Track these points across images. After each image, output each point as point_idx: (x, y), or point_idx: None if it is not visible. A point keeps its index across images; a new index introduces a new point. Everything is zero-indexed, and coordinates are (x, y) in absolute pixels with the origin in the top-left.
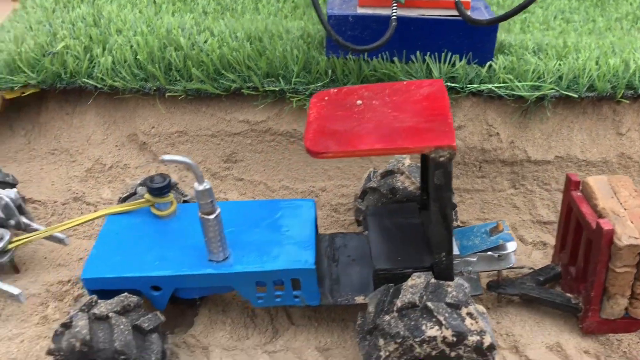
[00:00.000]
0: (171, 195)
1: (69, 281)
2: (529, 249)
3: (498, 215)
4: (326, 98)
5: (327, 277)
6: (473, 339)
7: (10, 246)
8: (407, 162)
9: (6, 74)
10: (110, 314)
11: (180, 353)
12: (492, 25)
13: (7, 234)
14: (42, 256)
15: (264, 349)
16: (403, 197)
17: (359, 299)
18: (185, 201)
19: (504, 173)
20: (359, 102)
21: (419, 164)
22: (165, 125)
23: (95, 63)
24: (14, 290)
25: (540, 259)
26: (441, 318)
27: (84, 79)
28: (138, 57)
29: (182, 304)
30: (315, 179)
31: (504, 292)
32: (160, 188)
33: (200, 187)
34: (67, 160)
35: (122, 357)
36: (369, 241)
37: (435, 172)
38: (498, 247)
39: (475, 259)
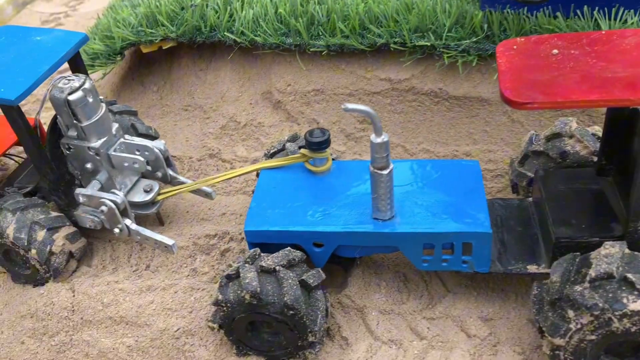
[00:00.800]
0: (328, 151)
1: (215, 235)
2: None
3: None
4: (515, 47)
5: (494, 243)
6: None
7: (159, 197)
8: (574, 124)
9: (146, 27)
10: (277, 267)
11: (335, 313)
12: None
13: (156, 185)
14: (184, 210)
15: (422, 314)
16: (574, 162)
17: (532, 268)
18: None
19: None
20: (555, 51)
21: (587, 127)
22: (302, 83)
23: (235, 17)
24: (168, 241)
25: None
26: None
27: (224, 33)
28: (279, 10)
29: (340, 263)
30: (459, 143)
31: None
32: (319, 142)
33: (378, 140)
34: (200, 116)
35: (291, 312)
36: (544, 206)
37: None
38: None
39: None
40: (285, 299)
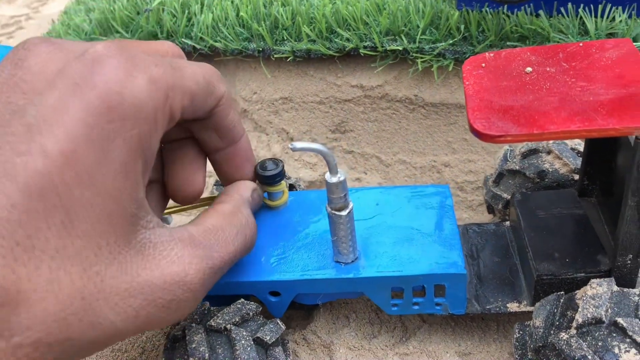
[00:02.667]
0: (283, 183)
1: None
2: None
3: None
4: (483, 65)
5: (469, 279)
6: None
7: None
8: None
9: (99, 34)
10: (228, 326)
11: (299, 351)
12: None
13: None
14: None
15: (395, 350)
16: (553, 182)
17: (513, 307)
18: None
19: None
20: (529, 69)
21: (566, 141)
22: (269, 90)
23: (193, 21)
24: None
25: None
26: (638, 338)
27: (182, 39)
28: (241, 13)
29: (301, 308)
30: (437, 152)
31: None
32: (272, 176)
33: (334, 179)
34: None
35: None
36: (523, 237)
37: None
38: None
39: None
40: None
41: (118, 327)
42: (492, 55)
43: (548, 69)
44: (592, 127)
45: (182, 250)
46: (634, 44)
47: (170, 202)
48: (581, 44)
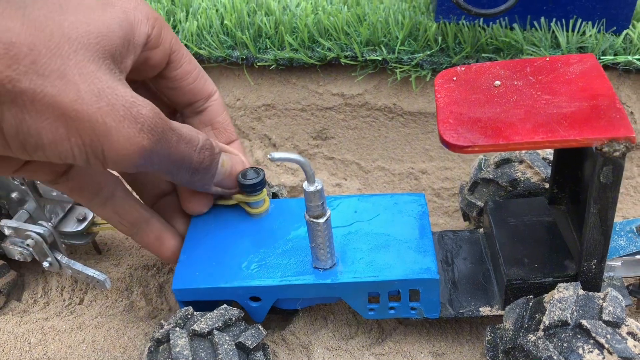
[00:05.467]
0: (264, 191)
1: (154, 265)
2: None
3: (625, 206)
4: (454, 78)
5: (443, 284)
6: None
7: (95, 229)
8: None
9: None
10: (211, 331)
11: (278, 351)
12: None
13: (90, 214)
14: (122, 237)
15: (371, 350)
16: (525, 190)
17: (485, 310)
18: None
19: (635, 158)
20: (497, 82)
21: (538, 151)
22: (252, 97)
23: (178, 29)
24: (100, 276)
25: None
26: (602, 340)
27: None
28: (225, 22)
29: (281, 314)
30: (415, 160)
31: None
32: (253, 185)
33: (312, 188)
34: None
35: None
36: (495, 243)
37: (604, 169)
38: None
39: (619, 264)
40: None
41: None
42: (463, 69)
43: (516, 83)
44: (554, 138)
45: None
46: (603, 57)
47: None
48: (547, 59)
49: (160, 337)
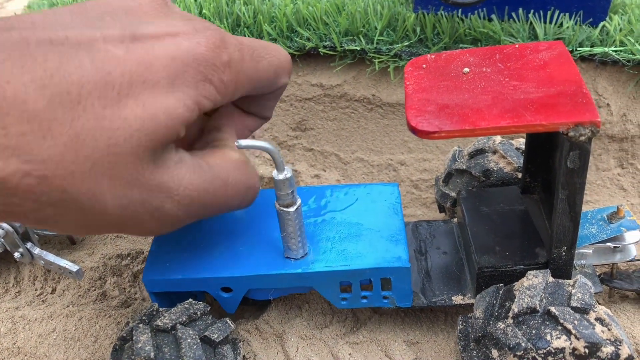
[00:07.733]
0: None
1: (128, 255)
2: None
3: (602, 198)
4: (424, 66)
5: (416, 273)
6: (608, 350)
7: None
8: (498, 138)
9: None
10: (175, 325)
11: (252, 340)
12: None
13: None
14: None
15: (345, 339)
16: (498, 180)
17: (457, 299)
18: None
19: (611, 150)
20: (466, 69)
21: (512, 141)
22: None
23: None
24: (72, 267)
25: None
26: (569, 326)
27: None
28: (204, 11)
29: (254, 304)
30: (394, 151)
31: (620, 286)
32: None
33: (281, 176)
34: None
35: None
36: (467, 232)
37: (570, 154)
38: (616, 238)
39: (590, 251)
40: None
41: None
42: (433, 57)
43: (484, 69)
44: (521, 123)
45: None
46: (580, 49)
47: None
48: (517, 46)
49: (125, 335)
